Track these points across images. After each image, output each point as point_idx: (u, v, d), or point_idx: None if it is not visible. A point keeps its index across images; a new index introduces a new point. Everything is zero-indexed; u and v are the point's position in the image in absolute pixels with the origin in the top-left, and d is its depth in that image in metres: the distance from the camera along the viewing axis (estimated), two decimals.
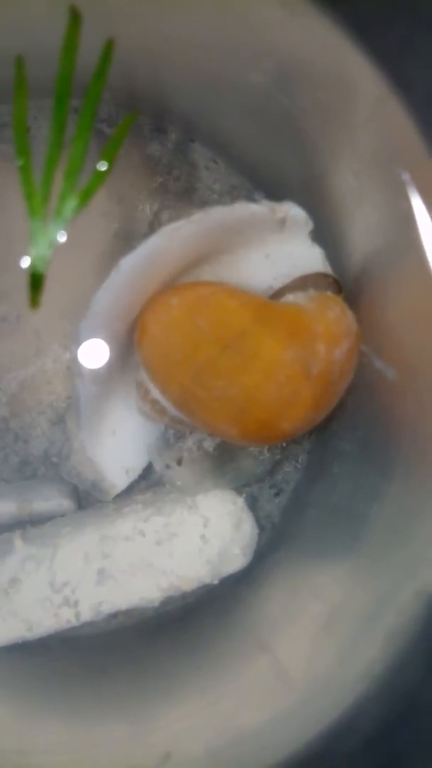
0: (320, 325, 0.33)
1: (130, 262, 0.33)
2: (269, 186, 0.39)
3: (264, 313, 0.34)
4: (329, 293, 0.36)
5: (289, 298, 0.36)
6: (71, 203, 0.31)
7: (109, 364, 0.37)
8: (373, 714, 0.27)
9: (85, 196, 0.31)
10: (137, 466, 0.40)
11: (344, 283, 0.36)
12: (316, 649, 0.32)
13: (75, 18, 0.29)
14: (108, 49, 0.30)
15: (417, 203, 0.29)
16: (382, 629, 0.29)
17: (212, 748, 0.30)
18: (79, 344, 0.35)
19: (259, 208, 0.34)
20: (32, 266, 0.31)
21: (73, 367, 0.39)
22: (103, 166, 0.31)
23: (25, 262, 0.32)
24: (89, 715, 0.36)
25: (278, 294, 0.37)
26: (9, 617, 0.37)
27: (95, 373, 0.36)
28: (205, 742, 0.31)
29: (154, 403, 0.37)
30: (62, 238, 0.32)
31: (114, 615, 0.39)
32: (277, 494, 0.42)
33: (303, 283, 0.37)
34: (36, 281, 0.31)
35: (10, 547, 0.38)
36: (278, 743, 0.28)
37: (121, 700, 0.36)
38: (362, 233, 0.34)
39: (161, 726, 0.33)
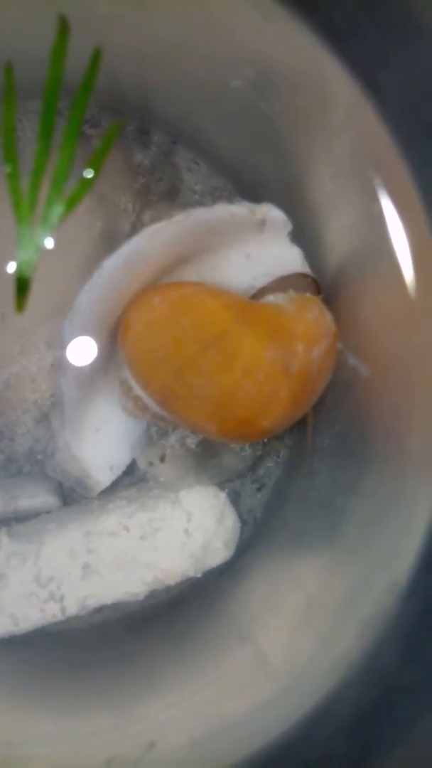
0: (299, 326, 0.34)
1: (112, 263, 0.34)
2: (250, 188, 0.40)
3: (245, 314, 0.34)
4: (308, 294, 0.36)
5: (270, 298, 0.37)
6: (58, 209, 0.31)
7: (93, 362, 0.37)
8: (350, 700, 0.28)
9: (72, 203, 0.32)
10: (121, 462, 0.41)
11: (322, 283, 0.37)
12: (295, 638, 0.33)
13: (63, 27, 0.30)
14: (95, 58, 0.31)
15: (388, 206, 0.30)
16: (358, 618, 0.30)
17: (195, 736, 0.31)
18: (63, 343, 0.35)
19: (239, 210, 0.35)
20: (19, 271, 0.32)
21: (58, 366, 0.40)
22: (89, 174, 0.32)
23: (12, 267, 0.33)
24: (75, 706, 0.36)
25: (259, 294, 0.38)
26: None
27: (79, 372, 0.36)
28: (188, 730, 0.32)
29: (136, 399, 0.37)
30: (49, 243, 0.32)
31: (99, 609, 0.40)
32: (259, 489, 0.43)
33: (283, 283, 0.37)
34: (22, 286, 0.32)
35: None
36: (260, 730, 0.29)
37: (106, 692, 0.37)
38: (338, 234, 0.35)
39: (146, 716, 0.34)
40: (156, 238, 0.34)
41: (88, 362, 0.37)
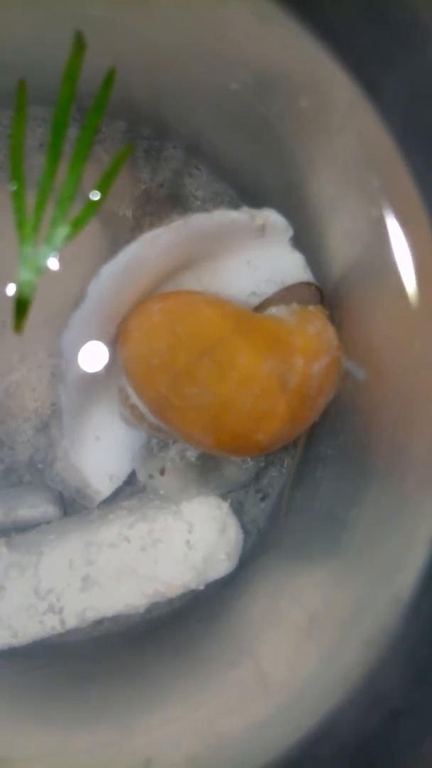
0: (299, 339, 0.33)
1: (110, 270, 0.34)
2: (251, 193, 0.40)
3: (243, 324, 0.34)
4: (312, 304, 0.36)
5: (272, 311, 0.36)
6: (62, 231, 0.31)
7: (92, 370, 0.37)
8: (352, 720, 0.27)
9: (77, 225, 0.31)
10: (121, 472, 0.40)
11: (324, 289, 0.36)
12: (296, 655, 0.32)
13: (79, 44, 0.29)
14: (109, 79, 0.30)
15: (389, 210, 0.29)
16: (360, 635, 0.29)
17: (192, 753, 0.30)
18: (61, 351, 0.35)
19: (240, 215, 0.34)
20: (19, 291, 0.31)
21: (57, 374, 0.39)
22: (96, 196, 0.31)
23: (11, 289, 0.32)
24: (74, 720, 0.36)
25: (261, 307, 0.37)
26: None
27: (78, 380, 0.36)
28: (185, 748, 0.31)
29: (133, 408, 0.37)
30: (52, 265, 0.32)
31: (100, 621, 0.39)
32: (262, 498, 0.43)
33: (287, 294, 0.37)
34: (21, 307, 0.31)
35: None
36: (258, 749, 0.28)
37: (105, 706, 0.36)
38: (340, 239, 0.34)
39: (143, 731, 0.33)
40: (155, 245, 0.34)
41: (87, 370, 0.36)
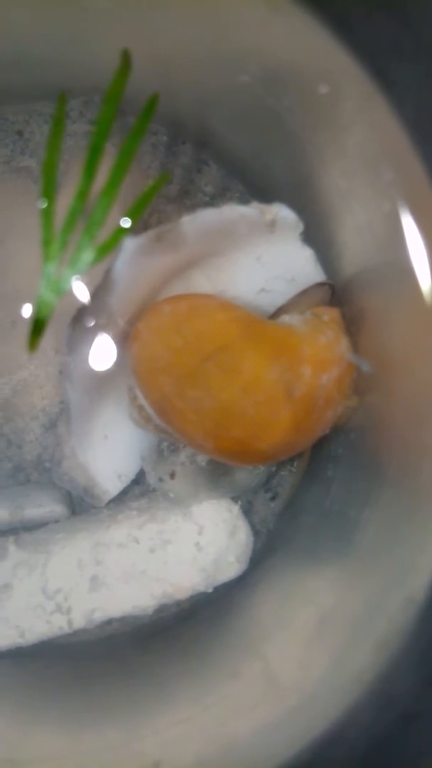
0: (309, 348, 0.33)
1: (117, 266, 0.33)
2: (260, 188, 0.39)
3: (251, 330, 0.33)
4: (327, 317, 0.35)
5: (285, 318, 0.35)
6: (87, 256, 0.30)
7: (98, 367, 0.36)
8: (364, 723, 0.27)
9: (103, 252, 0.30)
10: (130, 471, 0.40)
11: (335, 284, 0.36)
12: (307, 656, 0.32)
13: (126, 63, 0.28)
14: (151, 104, 0.29)
15: (402, 203, 0.28)
16: (372, 637, 0.28)
17: (202, 756, 0.30)
18: (68, 348, 0.35)
19: (249, 211, 0.34)
20: (37, 311, 0.30)
21: (64, 372, 0.39)
22: (126, 223, 0.30)
23: (27, 311, 0.32)
24: (81, 721, 0.35)
25: (275, 314, 0.36)
26: (1, 623, 0.37)
27: (85, 377, 0.36)
28: (195, 750, 0.30)
29: (141, 409, 0.36)
30: (72, 287, 0.31)
31: (107, 622, 0.39)
32: (272, 498, 0.42)
33: (302, 299, 0.36)
34: (38, 326, 0.30)
35: (3, 552, 0.37)
36: (269, 752, 0.28)
37: (113, 707, 0.36)
38: (351, 234, 0.33)
39: (152, 733, 0.33)
40: (163, 241, 0.33)
41: (94, 367, 0.36)
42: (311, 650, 0.31)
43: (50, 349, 0.41)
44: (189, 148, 0.41)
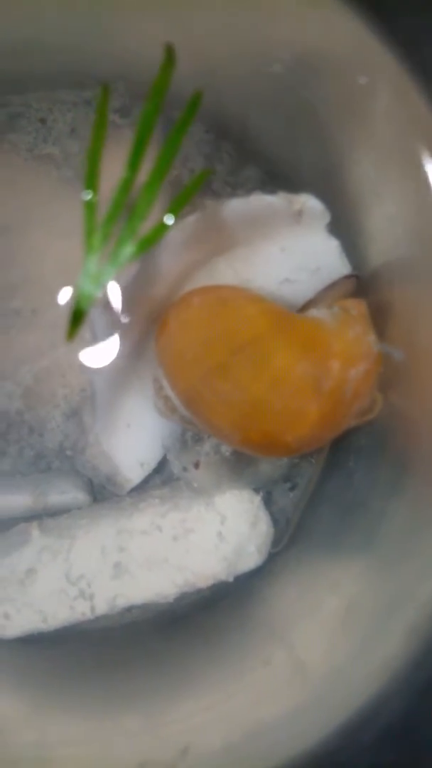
0: (338, 343, 0.33)
1: (147, 256, 0.33)
2: (286, 178, 0.39)
3: (281, 324, 0.33)
4: (355, 311, 0.35)
5: (313, 312, 0.35)
6: (128, 250, 0.30)
7: (124, 357, 0.36)
8: (393, 709, 0.27)
9: (144, 246, 0.29)
10: (152, 459, 0.40)
11: (361, 275, 0.36)
12: (333, 642, 0.32)
13: (170, 58, 0.28)
14: (195, 101, 0.29)
15: None
16: (402, 625, 0.29)
17: (230, 741, 0.30)
18: (93, 335, 0.35)
19: (276, 200, 0.34)
20: (77, 303, 0.30)
21: (88, 360, 0.39)
22: (169, 220, 0.30)
23: (66, 295, 0.31)
24: (104, 707, 0.36)
25: (303, 308, 0.36)
26: (24, 608, 0.37)
27: (110, 366, 0.36)
28: (223, 735, 0.31)
29: (166, 399, 0.36)
30: (112, 285, 0.30)
31: (128, 608, 0.39)
32: (291, 489, 0.42)
33: (329, 293, 0.36)
34: (77, 318, 0.30)
35: (27, 537, 0.37)
36: (298, 736, 0.28)
37: (136, 693, 0.36)
38: (380, 224, 0.33)
39: (177, 719, 0.33)
40: (187, 230, 0.33)
41: (118, 357, 0.36)
42: (337, 637, 0.32)
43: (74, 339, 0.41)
44: (212, 138, 0.41)
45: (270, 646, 0.34)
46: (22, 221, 0.42)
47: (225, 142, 0.40)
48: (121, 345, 0.35)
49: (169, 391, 0.36)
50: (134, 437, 0.39)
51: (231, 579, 0.38)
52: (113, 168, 0.36)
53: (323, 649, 0.32)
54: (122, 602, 0.38)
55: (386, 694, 0.27)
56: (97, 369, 0.35)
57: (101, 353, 0.35)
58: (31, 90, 0.41)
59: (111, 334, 0.35)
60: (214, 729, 0.31)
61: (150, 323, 0.36)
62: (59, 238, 0.41)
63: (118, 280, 0.33)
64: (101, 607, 0.38)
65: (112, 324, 0.35)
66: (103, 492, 0.41)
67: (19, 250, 0.41)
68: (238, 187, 0.41)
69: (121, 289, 0.34)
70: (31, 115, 0.42)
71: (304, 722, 0.29)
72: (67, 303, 0.37)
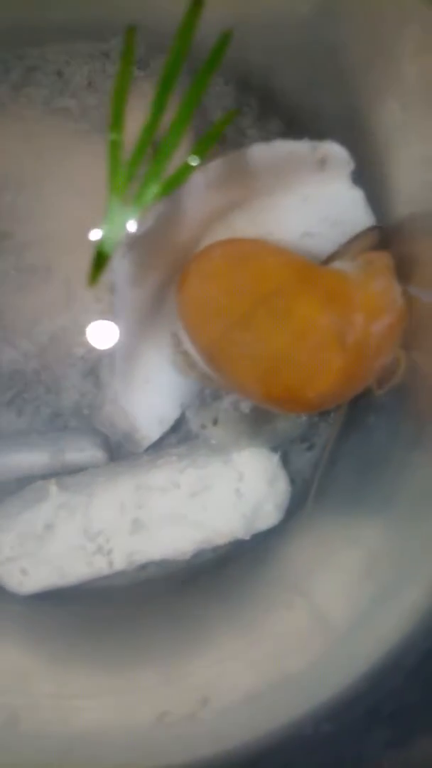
0: (362, 296, 0.32)
1: (163, 200, 0.33)
2: (307, 128, 0.38)
3: (304, 274, 0.33)
4: (378, 262, 0.34)
5: (337, 264, 0.35)
6: (153, 190, 0.29)
7: (143, 309, 0.36)
8: (424, 650, 0.27)
9: (169, 187, 0.29)
10: (170, 416, 0.40)
11: (385, 227, 0.35)
12: (355, 592, 0.32)
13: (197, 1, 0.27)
14: (224, 40, 0.29)
15: None
16: (426, 574, 0.28)
17: (252, 692, 0.30)
18: (115, 284, 0.34)
19: (300, 146, 0.33)
20: (101, 245, 0.30)
21: (110, 310, 0.38)
22: (194, 161, 0.30)
23: (95, 235, 0.31)
24: (122, 661, 0.36)
25: (326, 261, 0.36)
26: (43, 564, 0.37)
27: (132, 317, 0.35)
28: (244, 686, 0.31)
29: (185, 355, 0.36)
30: (134, 226, 0.30)
31: (144, 566, 0.39)
32: (309, 449, 0.42)
33: (355, 243, 0.35)
34: (101, 261, 0.30)
35: (45, 494, 0.37)
36: (323, 683, 0.28)
37: (153, 648, 0.36)
38: (407, 171, 0.33)
39: (196, 672, 0.33)
40: (210, 175, 0.33)
41: (138, 308, 0.36)
42: (359, 587, 0.31)
43: (88, 294, 0.40)
44: (231, 90, 0.40)
45: (289, 598, 0.34)
46: (38, 177, 0.41)
47: (246, 94, 0.40)
48: (141, 295, 0.35)
49: (188, 347, 0.35)
50: (152, 393, 0.39)
51: (248, 537, 0.38)
52: (131, 118, 0.35)
53: (345, 599, 0.32)
54: (140, 558, 0.38)
55: (414, 636, 0.27)
56: (120, 318, 0.35)
57: (125, 302, 0.35)
58: (48, 42, 0.41)
59: (132, 282, 0.35)
60: (234, 680, 0.31)
61: (171, 274, 0.35)
62: (75, 194, 0.41)
63: (140, 226, 0.32)
64: (119, 563, 0.38)
65: (134, 273, 0.35)
66: (120, 450, 0.40)
67: (35, 206, 0.41)
68: (259, 140, 0.41)
69: (144, 234, 0.34)
70: (48, 68, 0.41)
71: (329, 670, 0.29)
72: (88, 250, 0.37)
